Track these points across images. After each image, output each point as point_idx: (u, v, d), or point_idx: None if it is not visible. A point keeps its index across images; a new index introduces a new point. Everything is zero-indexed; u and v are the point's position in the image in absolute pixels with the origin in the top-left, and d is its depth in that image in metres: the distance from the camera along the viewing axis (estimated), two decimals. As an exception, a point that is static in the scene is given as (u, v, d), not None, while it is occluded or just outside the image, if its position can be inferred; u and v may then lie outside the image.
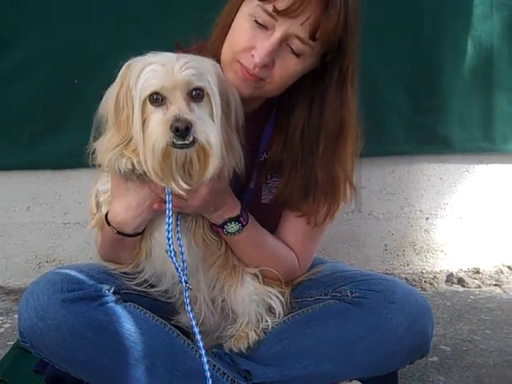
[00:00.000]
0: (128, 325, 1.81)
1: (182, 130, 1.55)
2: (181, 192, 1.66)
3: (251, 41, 1.76)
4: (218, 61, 1.82)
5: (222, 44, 1.85)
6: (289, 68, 1.79)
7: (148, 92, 1.61)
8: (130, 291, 1.92)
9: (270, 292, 1.97)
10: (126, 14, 2.92)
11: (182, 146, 1.58)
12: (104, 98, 1.72)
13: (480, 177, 3.44)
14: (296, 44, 1.75)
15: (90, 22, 2.92)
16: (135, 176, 1.69)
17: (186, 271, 1.76)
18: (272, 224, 2.03)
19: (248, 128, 1.85)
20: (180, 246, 1.76)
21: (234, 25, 1.83)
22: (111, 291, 1.84)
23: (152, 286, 1.96)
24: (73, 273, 1.82)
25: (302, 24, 1.72)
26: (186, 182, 1.65)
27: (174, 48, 1.81)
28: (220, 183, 1.77)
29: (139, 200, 1.77)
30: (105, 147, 1.71)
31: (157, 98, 1.61)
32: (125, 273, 1.92)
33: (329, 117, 1.89)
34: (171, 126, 1.56)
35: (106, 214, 1.84)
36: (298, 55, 1.77)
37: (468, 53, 3.24)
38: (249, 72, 1.77)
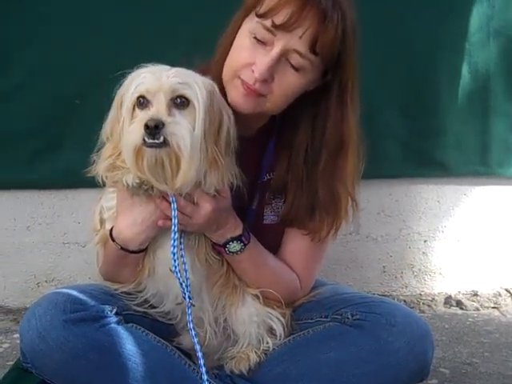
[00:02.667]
0: (130, 346, 1.81)
1: (151, 128, 1.57)
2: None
3: (251, 57, 1.79)
4: (221, 81, 1.85)
5: (223, 65, 1.88)
6: (289, 83, 1.82)
7: (135, 95, 1.65)
8: (131, 312, 1.92)
9: (271, 313, 1.98)
10: (126, 34, 2.94)
11: (151, 145, 1.59)
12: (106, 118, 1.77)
13: (477, 200, 3.46)
14: (295, 59, 1.77)
15: (91, 42, 2.93)
16: (142, 191, 1.71)
17: (189, 288, 1.77)
18: (274, 245, 2.04)
19: (251, 149, 1.87)
20: (184, 263, 1.77)
21: (234, 43, 1.86)
22: (113, 312, 1.85)
23: (153, 307, 1.96)
24: (75, 293, 1.83)
25: (300, 37, 1.74)
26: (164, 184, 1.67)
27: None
28: (223, 201, 1.79)
29: (145, 216, 1.78)
30: (100, 158, 1.76)
31: (142, 102, 1.65)
32: (126, 293, 1.93)
33: (330, 133, 1.91)
34: (145, 125, 1.58)
35: (111, 230, 1.85)
36: (297, 70, 1.79)
37: (465, 78, 3.27)
38: (249, 87, 1.80)
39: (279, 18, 1.73)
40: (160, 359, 1.86)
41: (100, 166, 1.76)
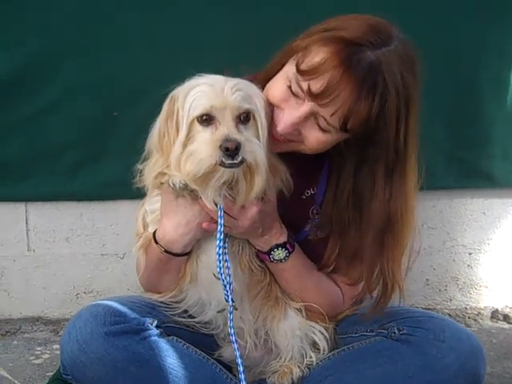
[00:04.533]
0: (171, 359, 1.80)
1: (232, 150, 1.59)
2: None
3: (282, 103, 1.77)
4: None
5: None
6: (318, 139, 1.78)
7: (198, 111, 1.65)
8: (172, 325, 1.92)
9: (314, 327, 1.96)
10: (164, 46, 2.94)
11: (231, 166, 1.61)
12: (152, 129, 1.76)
13: (524, 211, 3.37)
14: (322, 122, 1.73)
15: (130, 55, 2.93)
16: (187, 192, 1.71)
17: (232, 291, 1.76)
18: (317, 257, 2.00)
19: (301, 164, 1.86)
20: (227, 267, 1.76)
21: (275, 78, 1.82)
22: (154, 325, 1.84)
23: (194, 317, 1.95)
24: (115, 305, 1.83)
25: (331, 115, 1.69)
26: (231, 198, 1.70)
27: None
28: (268, 205, 1.79)
29: (189, 217, 1.78)
30: (149, 170, 1.76)
31: (206, 118, 1.65)
32: (166, 304, 1.92)
33: (377, 206, 1.84)
34: (221, 146, 1.59)
35: (154, 233, 1.85)
36: (323, 131, 1.75)
37: (510, 85, 3.19)
38: (273, 135, 1.78)
39: (315, 86, 1.67)
40: (201, 372, 1.85)
41: (149, 178, 1.77)
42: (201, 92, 1.66)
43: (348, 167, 1.88)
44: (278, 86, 1.79)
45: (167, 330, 1.88)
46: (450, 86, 3.13)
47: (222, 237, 1.73)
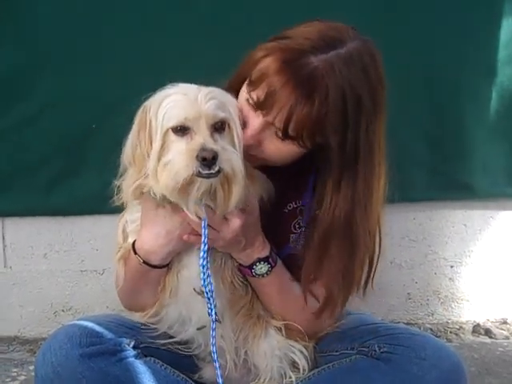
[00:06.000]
0: (148, 381, 1.78)
1: (209, 160, 1.57)
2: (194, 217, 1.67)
3: (245, 117, 1.77)
4: None
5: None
6: (278, 148, 1.78)
7: (173, 122, 1.63)
8: (150, 345, 1.89)
9: (294, 346, 1.93)
10: (142, 59, 2.92)
11: (208, 176, 1.59)
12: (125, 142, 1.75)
13: (505, 223, 3.38)
14: (278, 132, 1.74)
15: (106, 67, 2.92)
16: (168, 202, 1.68)
17: (215, 306, 1.74)
18: (298, 273, 1.97)
19: (283, 177, 1.87)
20: (210, 283, 1.73)
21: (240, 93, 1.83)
22: (131, 345, 1.81)
23: (173, 337, 1.92)
24: (91, 325, 1.80)
25: (274, 119, 1.71)
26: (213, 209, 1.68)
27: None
28: (251, 217, 1.77)
29: (169, 228, 1.75)
30: (126, 186, 1.74)
31: (180, 129, 1.63)
32: (146, 326, 1.89)
33: (329, 216, 1.83)
34: (197, 156, 1.57)
35: (133, 244, 1.82)
36: (282, 140, 1.75)
37: (489, 98, 3.20)
38: None
39: (258, 95, 1.71)
40: (179, 394, 1.82)
41: (127, 193, 1.75)
42: (174, 102, 1.64)
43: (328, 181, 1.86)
44: (240, 101, 1.80)
45: (145, 351, 1.85)
46: (431, 101, 3.16)
47: (205, 248, 1.70)
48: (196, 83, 1.72)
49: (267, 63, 1.70)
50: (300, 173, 1.94)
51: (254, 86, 1.72)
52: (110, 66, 2.93)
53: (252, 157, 1.79)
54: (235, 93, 1.83)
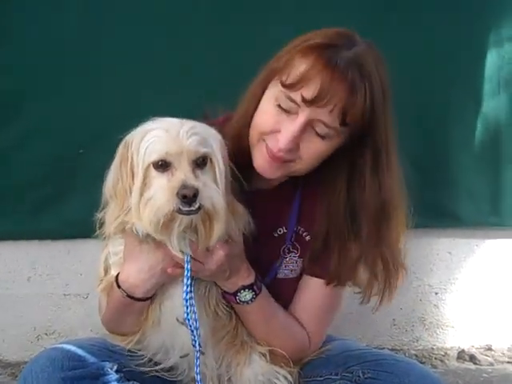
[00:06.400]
0: (131, 406, 1.75)
1: (189, 197, 1.56)
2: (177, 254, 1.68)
3: (276, 125, 1.78)
4: (237, 140, 1.85)
5: (245, 124, 1.87)
6: (315, 149, 1.79)
7: (153, 157, 1.62)
8: (132, 369, 1.87)
9: (278, 372, 1.92)
10: (132, 82, 2.94)
11: (188, 213, 1.58)
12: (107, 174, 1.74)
13: (490, 251, 3.40)
14: (321, 127, 1.75)
15: (95, 91, 2.94)
16: (151, 239, 1.68)
17: (199, 337, 1.73)
18: (285, 300, 1.99)
19: (267, 201, 1.89)
20: (194, 312, 1.72)
21: (260, 107, 1.84)
22: (114, 369, 1.79)
23: (157, 364, 1.91)
24: (74, 349, 1.78)
25: (330, 112, 1.72)
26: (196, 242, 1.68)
27: (202, 118, 1.81)
28: (235, 247, 1.77)
29: (152, 263, 1.75)
30: (108, 220, 1.74)
31: (161, 164, 1.62)
32: (129, 350, 1.88)
33: (368, 201, 1.86)
34: (177, 193, 1.57)
35: (117, 277, 1.81)
36: (323, 137, 1.77)
37: (476, 128, 3.25)
38: (275, 155, 1.79)
39: (308, 93, 1.70)
40: (161, 420, 1.80)
41: (109, 228, 1.74)
42: (155, 137, 1.63)
43: (339, 179, 1.89)
44: (266, 111, 1.81)
45: (127, 375, 1.83)
46: (418, 126, 3.18)
47: (188, 282, 1.70)
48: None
49: (306, 62, 1.71)
50: (285, 195, 1.97)
51: (298, 85, 1.71)
52: (98, 91, 2.94)
53: (283, 165, 1.81)
54: (241, 122, 1.87)
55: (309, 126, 1.75)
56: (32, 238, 3.07)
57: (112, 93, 2.93)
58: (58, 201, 3.00)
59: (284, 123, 1.77)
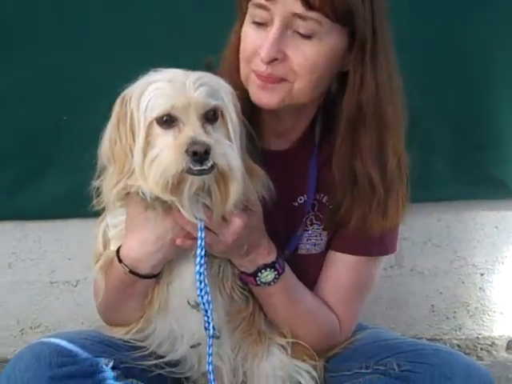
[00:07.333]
0: (129, 407, 1.77)
1: (200, 154, 1.56)
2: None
3: (256, 41, 1.82)
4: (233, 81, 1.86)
5: (236, 68, 1.90)
6: (306, 54, 1.80)
7: (156, 112, 1.63)
8: (131, 365, 1.88)
9: (300, 367, 1.94)
10: (123, 37, 2.92)
11: (200, 172, 1.59)
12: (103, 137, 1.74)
13: (544, 224, 3.39)
14: (300, 25, 1.77)
15: (80, 49, 2.91)
16: (159, 203, 1.68)
17: (213, 320, 1.74)
18: (309, 279, 2.01)
19: (283, 165, 1.91)
20: (207, 293, 1.72)
21: (241, 36, 1.89)
22: (109, 366, 1.80)
23: (160, 357, 1.92)
24: (63, 343, 1.79)
25: None
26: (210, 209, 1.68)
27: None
28: (254, 217, 1.78)
29: (159, 233, 1.75)
30: (107, 187, 1.73)
31: (166, 120, 1.63)
32: (129, 342, 1.89)
33: (366, 102, 1.88)
34: (187, 150, 1.57)
35: (117, 251, 1.82)
36: (309, 37, 1.79)
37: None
38: (262, 75, 1.81)
39: None
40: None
41: (109, 195, 1.74)
42: (158, 89, 1.64)
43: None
44: (246, 34, 1.86)
45: (125, 372, 1.84)
46: (454, 81, 3.15)
47: (202, 253, 1.70)
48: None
49: None
50: (303, 161, 1.99)
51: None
52: (83, 47, 2.92)
53: (278, 85, 1.82)
54: (234, 68, 1.89)
55: (289, 28, 1.78)
56: (11, 219, 3.09)
57: (100, 47, 2.92)
58: (40, 175, 3.00)
59: (263, 37, 1.80)
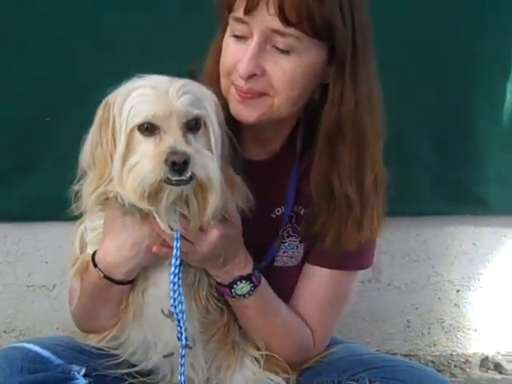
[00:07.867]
0: (101, 416, 1.76)
1: (179, 165, 1.55)
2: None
3: (236, 54, 1.81)
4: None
5: (215, 75, 1.90)
6: (284, 69, 1.80)
7: (138, 119, 1.62)
8: (104, 373, 1.86)
9: (272, 379, 1.93)
10: (108, 40, 2.92)
11: (178, 183, 1.57)
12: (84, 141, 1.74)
13: (520, 243, 3.41)
14: (279, 40, 1.77)
15: (64, 48, 2.91)
16: (136, 210, 1.67)
17: (186, 330, 1.72)
18: (284, 292, 2.00)
19: (262, 177, 1.88)
20: (181, 302, 1.71)
21: (222, 49, 1.88)
22: (81, 373, 1.79)
23: (133, 366, 1.90)
24: (36, 349, 1.78)
25: (267, 12, 1.73)
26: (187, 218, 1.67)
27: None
28: (232, 228, 1.77)
29: (136, 239, 1.74)
30: (86, 192, 1.72)
31: (147, 127, 1.62)
32: (102, 349, 1.88)
33: (345, 117, 1.87)
34: (166, 160, 1.55)
35: (93, 255, 1.80)
36: (288, 52, 1.78)
37: (505, 98, 3.24)
38: (241, 90, 1.81)
39: (243, 2, 1.75)
40: (137, 432, 1.81)
41: (88, 200, 1.73)
42: (141, 96, 1.63)
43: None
44: (226, 47, 1.86)
45: (97, 380, 1.82)
46: (438, 99, 3.17)
47: (177, 263, 1.70)
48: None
49: None
50: (283, 171, 1.98)
51: (237, 3, 1.78)
52: (68, 47, 2.91)
53: (257, 101, 1.82)
54: (215, 78, 1.88)
55: (267, 43, 1.78)
56: (-11, 220, 3.07)
57: (85, 50, 2.91)
58: (21, 178, 2.99)
59: (242, 52, 1.79)
